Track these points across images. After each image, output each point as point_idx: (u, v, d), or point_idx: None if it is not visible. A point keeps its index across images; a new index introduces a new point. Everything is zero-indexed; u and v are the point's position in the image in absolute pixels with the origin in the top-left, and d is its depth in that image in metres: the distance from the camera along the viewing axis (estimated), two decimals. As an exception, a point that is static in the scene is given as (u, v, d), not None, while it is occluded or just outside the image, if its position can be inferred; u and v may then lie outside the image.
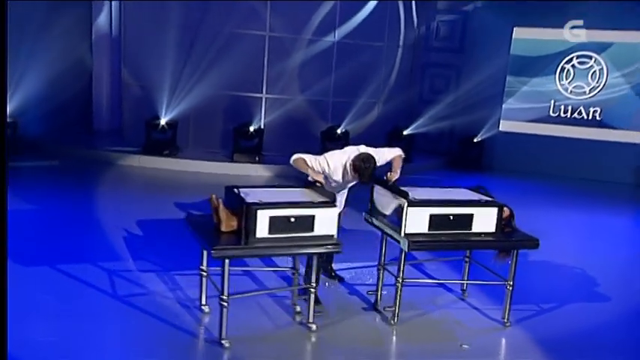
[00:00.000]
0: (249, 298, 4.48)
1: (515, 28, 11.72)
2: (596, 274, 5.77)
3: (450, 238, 4.31)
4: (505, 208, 4.45)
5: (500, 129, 12.05)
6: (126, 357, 3.74)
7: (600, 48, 11.27)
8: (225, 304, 3.80)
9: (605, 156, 11.22)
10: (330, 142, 10.25)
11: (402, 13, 11.52)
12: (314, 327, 4.16)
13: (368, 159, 4.54)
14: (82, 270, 4.93)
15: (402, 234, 4.19)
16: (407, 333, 4.36)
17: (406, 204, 4.18)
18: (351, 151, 4.70)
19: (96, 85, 11.35)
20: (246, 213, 3.81)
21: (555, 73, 11.66)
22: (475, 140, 11.88)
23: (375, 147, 4.90)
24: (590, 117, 11.51)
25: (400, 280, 4.34)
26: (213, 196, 4.02)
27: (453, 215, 4.26)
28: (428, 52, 12.60)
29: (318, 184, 4.56)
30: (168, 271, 5.10)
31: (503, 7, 11.73)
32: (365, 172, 4.53)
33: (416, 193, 4.35)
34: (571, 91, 11.62)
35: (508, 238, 4.50)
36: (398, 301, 4.34)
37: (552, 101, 11.76)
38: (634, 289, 5.70)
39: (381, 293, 4.73)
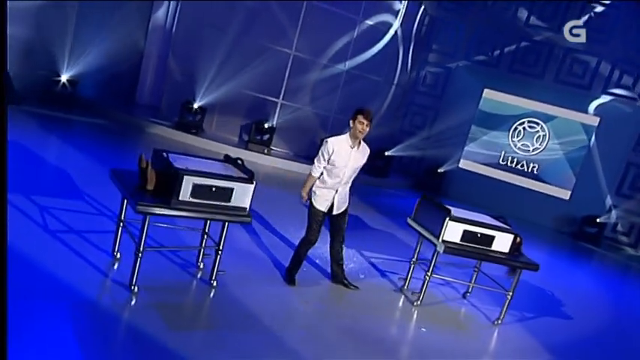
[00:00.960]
0: (159, 252, 4.53)
1: (485, 89, 12.64)
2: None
3: (474, 250, 4.87)
4: (518, 237, 5.03)
5: (459, 165, 12.93)
6: (45, 290, 3.66)
7: (547, 118, 12.36)
8: (140, 254, 3.79)
9: (534, 202, 12.26)
10: (326, 148, 11.36)
11: (401, 58, 12.41)
12: (215, 283, 4.30)
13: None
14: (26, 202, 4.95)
15: (440, 240, 4.79)
16: (425, 312, 5.09)
17: (448, 218, 4.81)
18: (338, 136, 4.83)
19: (143, 66, 11.91)
20: (173, 177, 3.73)
21: (509, 131, 12.61)
22: (439, 170, 12.79)
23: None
24: (529, 170, 12.57)
25: (429, 274, 5.01)
26: (142, 155, 3.89)
27: (480, 234, 4.85)
28: (414, 93, 13.38)
29: (304, 200, 4.84)
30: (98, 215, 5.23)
31: (479, 71, 12.77)
32: (362, 109, 4.67)
33: (455, 211, 4.93)
34: (518, 147, 12.62)
35: (517, 259, 5.06)
36: (424, 288, 5.06)
37: (503, 152, 12.71)
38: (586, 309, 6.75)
39: (409, 281, 5.46)
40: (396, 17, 11.87)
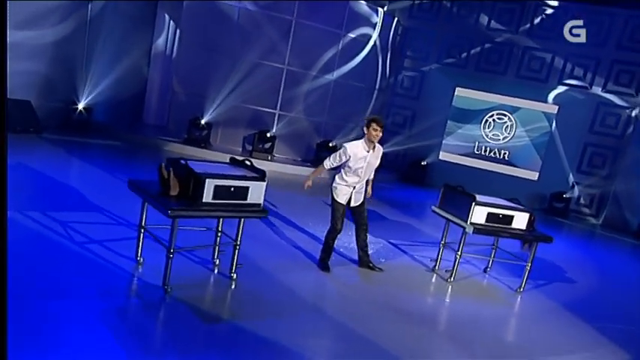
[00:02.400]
0: (178, 252, 4.30)
1: (457, 88, 12.85)
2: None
3: (498, 229, 5.05)
4: (533, 215, 5.18)
5: (440, 157, 13.12)
6: (80, 297, 3.57)
7: (513, 110, 12.65)
8: (171, 255, 3.77)
9: (507, 185, 12.39)
10: (323, 151, 11.30)
11: (380, 65, 12.54)
12: (235, 276, 4.26)
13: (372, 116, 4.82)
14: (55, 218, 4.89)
15: (469, 222, 4.93)
16: (457, 286, 5.24)
17: (474, 203, 4.94)
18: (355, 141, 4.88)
19: (148, 90, 11.78)
20: (196, 181, 3.74)
21: (481, 123, 12.85)
22: (422, 163, 12.95)
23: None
24: (501, 156, 12.83)
25: (459, 253, 5.15)
26: (163, 165, 3.88)
27: (502, 215, 5.02)
28: (394, 96, 13.50)
29: (307, 186, 4.98)
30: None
31: (450, 72, 12.97)
32: (375, 118, 4.76)
33: (479, 197, 5.06)
34: (490, 137, 12.88)
35: (533, 234, 5.25)
36: (456, 265, 5.21)
37: (477, 142, 12.94)
38: (580, 272, 6.92)
39: (440, 261, 5.53)
40: (374, 29, 11.92)
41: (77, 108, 9.95)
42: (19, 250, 4.03)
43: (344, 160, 4.80)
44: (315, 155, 11.30)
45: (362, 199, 5.08)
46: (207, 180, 3.73)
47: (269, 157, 10.75)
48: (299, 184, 7.81)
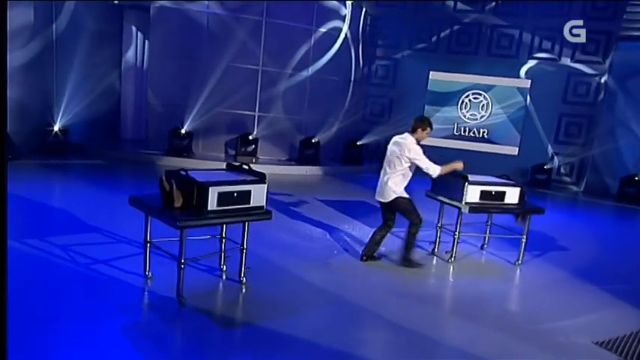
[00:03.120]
0: (187, 262, 4.14)
1: (430, 72, 13.13)
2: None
3: (492, 206, 5.23)
4: (523, 189, 5.38)
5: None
6: (97, 317, 3.59)
7: (487, 88, 12.99)
8: (183, 266, 3.81)
9: (489, 162, 12.41)
10: (307, 149, 11.43)
11: (354, 57, 12.66)
12: (244, 280, 4.31)
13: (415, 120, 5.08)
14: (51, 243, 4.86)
15: (464, 202, 5.10)
16: (459, 266, 5.42)
17: (467, 183, 5.11)
18: (407, 137, 5.07)
19: (123, 104, 11.70)
20: (199, 190, 3.78)
21: (458, 105, 13.16)
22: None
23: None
24: (481, 135, 13.18)
25: (457, 233, 5.35)
26: (163, 178, 3.90)
27: (494, 192, 5.22)
28: (370, 86, 13.69)
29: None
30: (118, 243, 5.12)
31: (423, 57, 13.21)
32: (430, 121, 5.10)
33: (471, 177, 5.25)
34: (468, 117, 13.21)
35: (525, 207, 5.44)
36: (455, 246, 5.39)
37: (456, 124, 13.26)
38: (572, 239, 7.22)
39: (439, 243, 5.71)
40: (344, 22, 12.05)
41: (53, 130, 9.83)
42: (24, 278, 4.05)
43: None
44: (299, 153, 11.40)
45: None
46: (210, 188, 3.79)
47: (253, 160, 10.81)
48: (288, 184, 7.87)
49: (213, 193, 3.82)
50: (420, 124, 5.05)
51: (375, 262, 5.37)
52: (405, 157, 4.97)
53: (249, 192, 4.05)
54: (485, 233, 6.17)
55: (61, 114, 9.97)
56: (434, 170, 4.98)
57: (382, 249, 5.81)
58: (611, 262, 6.45)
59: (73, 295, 3.94)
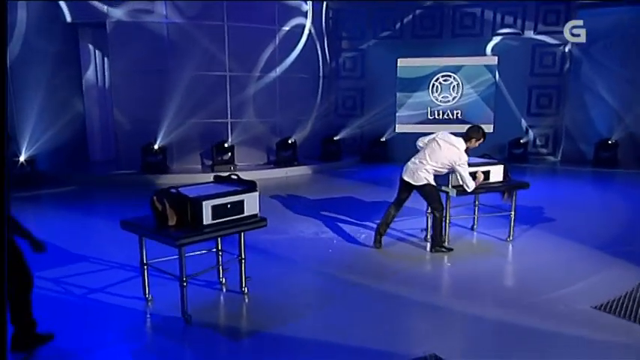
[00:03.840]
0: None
1: (399, 59, 13.33)
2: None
3: (479, 186, 5.35)
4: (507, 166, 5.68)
5: (396, 131, 13.57)
6: (106, 344, 3.67)
7: (456, 69, 13.28)
8: (185, 284, 3.87)
9: None
10: (284, 150, 11.50)
11: (320, 52, 12.73)
12: (246, 290, 4.40)
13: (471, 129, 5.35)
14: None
15: (450, 186, 5.31)
16: (454, 250, 5.55)
17: None
18: (461, 143, 5.26)
19: (89, 126, 11.51)
20: (193, 206, 3.84)
21: (429, 89, 13.40)
22: (381, 140, 13.34)
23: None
24: (455, 117, 13.43)
25: (448, 218, 5.53)
26: (155, 198, 3.92)
27: (480, 172, 5.35)
28: (339, 79, 13.81)
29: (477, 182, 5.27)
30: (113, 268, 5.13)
31: (389, 45, 13.40)
32: (485, 132, 5.33)
33: None
34: (440, 100, 13.47)
35: (511, 183, 5.68)
36: (447, 231, 5.57)
37: (429, 108, 13.49)
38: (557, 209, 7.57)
39: (430, 229, 5.83)
40: (306, 18, 12.15)
41: (19, 161, 9.64)
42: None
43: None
44: (277, 156, 11.47)
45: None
46: (204, 202, 3.86)
47: (231, 168, 10.81)
48: (270, 188, 7.91)
49: (207, 207, 3.88)
50: (475, 134, 5.28)
51: (369, 254, 5.53)
52: (454, 162, 5.19)
53: (241, 202, 4.13)
54: (474, 214, 6.39)
55: (25, 144, 9.79)
56: (471, 185, 5.23)
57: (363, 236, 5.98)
58: (596, 227, 6.76)
59: (74, 329, 3.95)
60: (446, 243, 5.64)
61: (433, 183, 5.37)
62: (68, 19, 10.79)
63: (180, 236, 3.76)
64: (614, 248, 5.68)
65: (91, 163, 11.63)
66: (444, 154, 5.25)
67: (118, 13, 10.47)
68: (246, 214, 4.15)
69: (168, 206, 3.91)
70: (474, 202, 6.37)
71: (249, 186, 4.26)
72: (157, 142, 10.58)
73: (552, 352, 3.50)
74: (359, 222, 6.90)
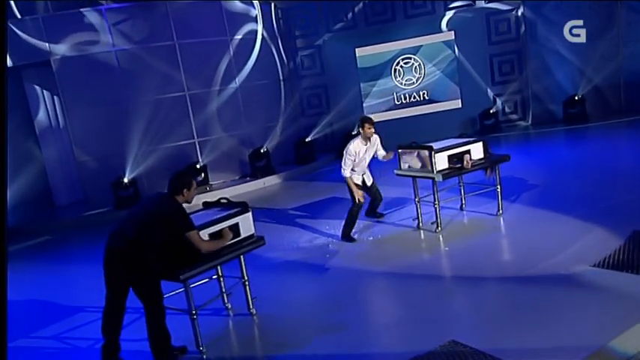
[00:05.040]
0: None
1: (357, 49, 13.55)
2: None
3: (461, 167, 5.66)
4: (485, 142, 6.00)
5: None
6: None
7: (414, 50, 13.58)
8: (195, 316, 3.99)
9: (438, 121, 13.31)
10: (257, 160, 11.61)
11: (276, 55, 12.88)
12: (254, 311, 4.55)
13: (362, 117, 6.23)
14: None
15: (435, 171, 5.53)
16: (447, 233, 5.90)
17: (434, 152, 5.56)
18: (354, 140, 6.17)
19: (49, 170, 11.38)
20: (190, 238, 3.89)
21: (391, 74, 13.68)
22: (353, 133, 13.56)
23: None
24: (422, 98, 13.76)
25: (437, 203, 5.85)
26: None
27: (460, 152, 5.67)
28: (300, 79, 13.92)
29: (358, 201, 6.07)
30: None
31: (344, 36, 13.63)
32: (365, 118, 6.13)
33: (435, 145, 5.76)
34: (404, 84, 13.77)
35: (492, 158, 5.97)
36: (438, 216, 5.87)
37: (395, 93, 13.77)
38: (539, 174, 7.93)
39: (421, 217, 6.19)
40: (257, 23, 12.27)
41: (-18, 220, 9.47)
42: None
43: (353, 158, 6.08)
44: (251, 167, 11.57)
45: (372, 179, 6.60)
46: (201, 232, 4.01)
47: (207, 188, 10.88)
48: (251, 201, 8.00)
49: (204, 236, 4.04)
50: (360, 124, 6.23)
51: (367, 252, 5.78)
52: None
53: (237, 225, 4.28)
54: (461, 194, 6.68)
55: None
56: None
57: (370, 238, 6.20)
58: (577, 187, 7.19)
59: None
60: (439, 227, 5.91)
61: (354, 180, 6.26)
62: (9, 63, 10.62)
63: (183, 271, 3.87)
64: (599, 205, 6.06)
65: (57, 208, 11.49)
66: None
67: (61, 48, 10.38)
68: (243, 235, 4.30)
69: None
70: (459, 182, 6.65)
71: (241, 207, 4.41)
72: (127, 175, 10.55)
73: (566, 316, 3.77)
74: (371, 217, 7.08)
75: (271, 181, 11.48)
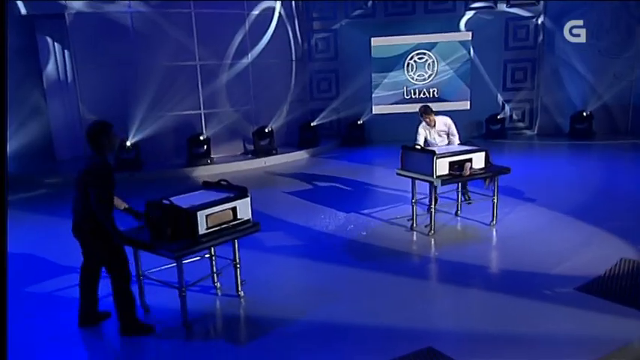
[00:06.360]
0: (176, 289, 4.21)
1: (372, 38, 13.45)
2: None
3: (461, 174, 5.62)
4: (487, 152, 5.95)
5: (373, 112, 13.79)
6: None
7: (430, 46, 13.52)
8: (184, 294, 4.08)
9: None
10: (261, 139, 11.61)
11: (291, 35, 12.77)
12: (242, 294, 4.63)
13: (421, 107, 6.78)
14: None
15: (435, 176, 5.56)
16: (440, 237, 5.96)
17: (436, 157, 5.57)
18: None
19: (53, 124, 11.38)
20: (187, 218, 3.98)
21: (404, 68, 13.62)
22: (359, 123, 13.56)
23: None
24: (431, 95, 13.72)
25: (433, 206, 5.90)
26: (148, 210, 4.13)
27: (462, 160, 5.69)
28: (312, 62, 13.85)
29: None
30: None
31: (361, 24, 13.52)
32: (423, 109, 6.71)
33: (438, 150, 5.79)
34: (416, 79, 13.72)
35: (492, 169, 5.96)
36: (432, 219, 5.92)
37: (405, 87, 13.73)
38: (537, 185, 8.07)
39: (416, 218, 6.21)
40: (276, 0, 12.13)
41: (-17, 167, 9.52)
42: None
43: (423, 138, 6.69)
44: (254, 145, 11.58)
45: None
46: (198, 213, 4.04)
47: (208, 161, 10.90)
48: (249, 180, 8.08)
49: (201, 217, 4.07)
50: (420, 114, 6.88)
51: (359, 247, 5.86)
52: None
53: (234, 208, 4.33)
54: (457, 200, 6.74)
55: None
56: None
57: (363, 233, 6.24)
58: (575, 202, 7.22)
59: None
60: (432, 230, 6.00)
61: None
62: (23, 11, 10.55)
63: (178, 248, 3.94)
64: (591, 229, 6.12)
65: (59, 162, 11.52)
66: None
67: (77, 4, 10.30)
68: (239, 220, 4.35)
69: (162, 218, 4.06)
70: (457, 188, 6.70)
71: (240, 192, 4.46)
72: (130, 139, 10.56)
73: (542, 337, 3.86)
74: (344, 212, 7.16)
75: (272, 160, 11.49)
